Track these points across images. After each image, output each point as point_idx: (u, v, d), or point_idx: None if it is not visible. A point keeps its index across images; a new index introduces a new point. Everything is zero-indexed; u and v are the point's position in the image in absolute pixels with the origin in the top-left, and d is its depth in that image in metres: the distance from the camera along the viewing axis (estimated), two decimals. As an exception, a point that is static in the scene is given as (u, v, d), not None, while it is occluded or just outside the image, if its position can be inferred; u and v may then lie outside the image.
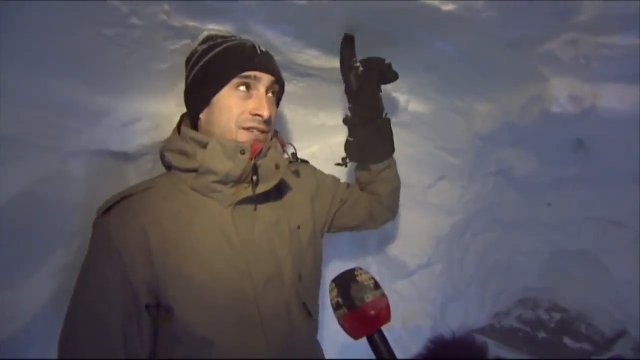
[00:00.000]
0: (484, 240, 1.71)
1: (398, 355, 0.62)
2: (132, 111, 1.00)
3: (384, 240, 1.51)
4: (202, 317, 0.75)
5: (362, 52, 1.14)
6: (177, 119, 1.05)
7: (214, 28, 0.95)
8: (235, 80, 0.81)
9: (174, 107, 1.05)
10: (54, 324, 0.91)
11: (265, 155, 0.82)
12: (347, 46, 1.03)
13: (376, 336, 0.62)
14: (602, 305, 1.88)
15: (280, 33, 1.02)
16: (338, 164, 1.10)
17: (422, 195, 1.49)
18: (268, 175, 0.82)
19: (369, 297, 0.63)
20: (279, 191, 0.91)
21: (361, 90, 1.01)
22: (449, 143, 1.41)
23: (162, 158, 0.88)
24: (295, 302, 0.85)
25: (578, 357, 1.87)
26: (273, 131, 0.90)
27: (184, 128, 0.86)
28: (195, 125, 0.88)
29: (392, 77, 1.03)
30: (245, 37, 0.99)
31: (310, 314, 0.88)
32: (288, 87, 1.00)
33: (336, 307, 0.65)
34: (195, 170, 0.80)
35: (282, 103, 1.00)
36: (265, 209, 0.85)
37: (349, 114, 1.06)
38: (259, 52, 0.85)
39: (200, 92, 0.84)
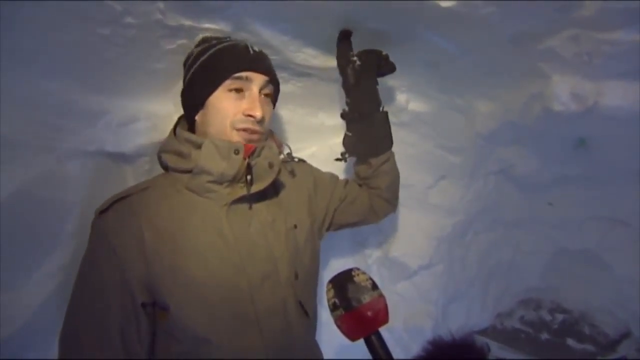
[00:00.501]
0: (485, 240, 1.70)
1: (398, 356, 0.61)
2: (129, 111, 1.00)
3: (384, 241, 1.50)
4: (197, 314, 0.76)
5: (360, 49, 1.13)
6: (175, 118, 1.05)
7: (210, 27, 0.94)
8: (227, 82, 0.82)
9: (171, 107, 1.05)
10: (52, 324, 0.91)
11: (259, 155, 0.83)
12: (344, 40, 1.02)
13: (373, 337, 0.61)
14: (606, 306, 1.87)
15: (277, 32, 1.01)
16: (337, 159, 1.10)
17: (422, 195, 1.48)
18: (262, 175, 0.83)
19: (366, 298, 0.63)
20: (275, 190, 0.92)
21: (359, 83, 1.00)
22: (449, 142, 1.40)
23: (159, 159, 0.89)
24: (292, 300, 0.85)
25: (581, 359, 1.85)
26: (268, 131, 0.90)
27: (179, 129, 0.87)
28: (192, 127, 0.89)
29: (390, 68, 1.03)
30: (242, 35, 0.98)
31: (307, 314, 0.88)
32: (286, 87, 0.99)
33: (333, 308, 0.65)
34: (188, 171, 0.81)
35: (280, 103, 0.99)
36: (261, 208, 0.86)
37: (346, 108, 1.06)
38: (251, 52, 0.86)
39: (194, 93, 0.86)
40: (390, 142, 1.08)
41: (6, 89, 0.78)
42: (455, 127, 1.36)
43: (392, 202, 1.17)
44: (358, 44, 1.05)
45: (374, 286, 0.66)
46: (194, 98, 0.85)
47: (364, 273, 0.67)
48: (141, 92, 1.00)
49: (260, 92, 0.85)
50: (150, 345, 0.80)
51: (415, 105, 1.31)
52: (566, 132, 1.27)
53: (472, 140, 1.37)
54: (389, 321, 0.64)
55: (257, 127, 0.83)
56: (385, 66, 1.02)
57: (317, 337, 0.99)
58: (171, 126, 1.05)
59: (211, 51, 0.85)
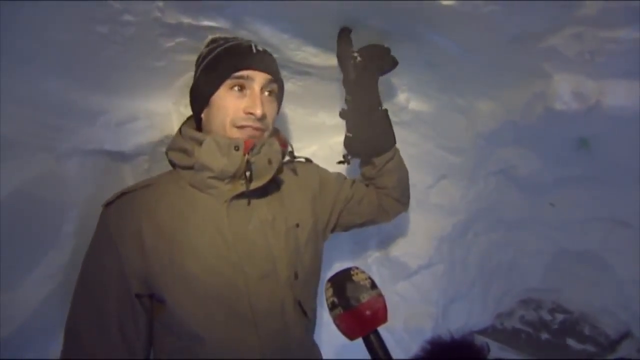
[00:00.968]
0: (486, 240, 1.70)
1: (398, 357, 0.61)
2: (128, 110, 1.00)
3: (384, 241, 1.49)
4: (192, 310, 0.78)
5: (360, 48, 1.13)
6: (174, 117, 1.05)
7: (209, 25, 0.94)
8: (229, 80, 0.84)
9: (170, 106, 1.05)
10: (51, 324, 0.92)
11: (259, 152, 0.83)
12: (344, 36, 1.01)
13: (372, 337, 0.61)
14: (606, 306, 1.86)
15: (277, 30, 1.00)
16: (340, 162, 1.10)
17: (423, 195, 1.47)
18: (261, 171, 0.84)
19: (365, 297, 0.63)
20: (278, 188, 0.92)
21: (360, 80, 1.00)
22: (450, 142, 1.39)
23: (167, 157, 0.91)
24: (290, 300, 0.85)
25: (581, 359, 1.85)
26: (271, 129, 0.90)
27: (184, 127, 0.90)
28: (199, 124, 0.91)
29: (391, 63, 1.02)
30: (241, 34, 0.98)
31: (306, 314, 0.88)
32: (286, 86, 0.99)
33: (331, 307, 0.65)
34: (190, 167, 0.83)
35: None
36: (262, 205, 0.87)
37: (345, 107, 1.05)
38: (254, 51, 0.87)
39: (199, 92, 0.88)
40: (392, 140, 1.08)
41: (5, 89, 0.78)
42: (456, 127, 1.35)
43: (402, 201, 1.16)
44: (358, 43, 1.04)
45: (373, 285, 0.66)
46: (200, 96, 0.88)
47: (363, 272, 0.67)
48: (140, 90, 1.00)
49: (262, 90, 0.85)
50: (148, 338, 0.82)
51: (416, 104, 1.30)
52: (568, 132, 1.27)
53: (473, 140, 1.37)
54: (387, 320, 0.64)
55: (257, 125, 0.84)
56: (386, 61, 1.01)
57: (317, 337, 0.99)
58: (170, 125, 1.06)
59: (216, 51, 0.87)
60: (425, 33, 1.04)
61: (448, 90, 1.27)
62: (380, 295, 0.65)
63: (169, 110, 1.04)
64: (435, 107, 1.31)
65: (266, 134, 0.88)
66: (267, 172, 0.84)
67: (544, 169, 1.46)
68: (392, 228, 1.47)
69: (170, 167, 0.93)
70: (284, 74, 1.01)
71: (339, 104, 1.33)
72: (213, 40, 0.93)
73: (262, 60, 0.87)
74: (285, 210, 0.90)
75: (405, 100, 1.28)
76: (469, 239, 1.65)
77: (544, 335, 1.95)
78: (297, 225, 0.91)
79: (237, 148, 0.80)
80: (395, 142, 1.09)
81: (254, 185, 0.82)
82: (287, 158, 0.93)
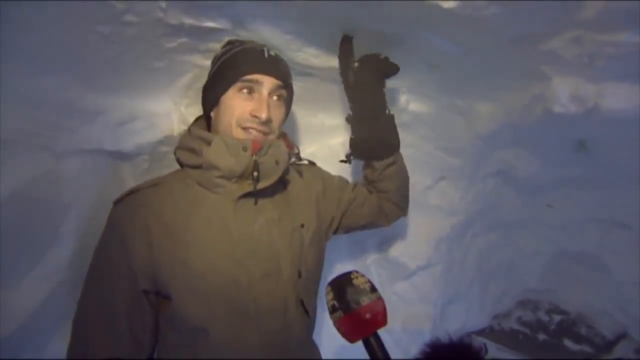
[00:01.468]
0: (484, 241, 1.70)
1: (396, 357, 0.62)
2: (127, 110, 1.00)
3: (383, 241, 1.50)
4: (196, 305, 0.79)
5: (362, 50, 1.13)
6: (174, 117, 1.05)
7: (211, 25, 0.94)
8: (239, 83, 0.86)
9: (170, 106, 1.05)
10: (52, 323, 0.92)
11: (266, 153, 0.85)
12: (345, 46, 1.03)
13: (372, 339, 0.62)
14: (604, 307, 1.87)
15: (278, 31, 1.00)
16: (342, 161, 1.11)
17: (422, 196, 1.47)
18: (268, 172, 0.85)
19: (365, 301, 0.64)
20: (284, 189, 0.94)
21: (358, 87, 1.02)
22: (449, 143, 1.40)
23: (175, 156, 0.92)
24: (292, 299, 0.86)
25: (578, 359, 1.86)
26: (278, 133, 0.92)
27: (193, 127, 0.91)
28: (209, 123, 0.94)
29: (392, 69, 1.03)
30: (243, 35, 0.98)
31: (307, 312, 0.89)
32: (286, 87, 0.99)
33: (332, 310, 0.66)
34: (199, 166, 0.85)
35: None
36: (268, 205, 0.88)
37: (350, 113, 1.06)
38: (266, 55, 0.89)
39: (211, 92, 0.90)
40: (395, 146, 1.09)
41: (5, 88, 0.78)
42: (455, 129, 1.36)
43: (401, 206, 1.18)
44: (359, 44, 1.05)
45: (373, 289, 0.67)
46: (210, 97, 0.90)
47: (362, 276, 0.68)
48: (140, 90, 1.00)
49: (270, 94, 0.87)
50: (154, 334, 0.83)
51: (416, 106, 1.31)
52: (566, 134, 1.27)
53: (472, 141, 1.37)
54: (387, 323, 0.65)
55: (262, 128, 0.86)
56: (387, 67, 1.02)
57: (317, 338, 0.99)
58: (170, 125, 1.06)
59: (230, 53, 0.90)
60: (426, 35, 1.04)
61: (448, 92, 1.27)
62: (380, 298, 0.66)
63: (169, 111, 1.04)
64: (435, 108, 1.32)
65: (271, 137, 0.89)
66: (274, 173, 0.86)
67: (543, 171, 1.47)
68: (390, 229, 1.46)
69: (177, 166, 0.94)
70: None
71: (339, 105, 1.33)
72: (229, 42, 0.95)
73: (273, 65, 0.89)
74: (290, 210, 0.92)
75: (405, 102, 1.28)
76: (468, 239, 1.65)
77: (541, 336, 1.96)
78: (302, 226, 0.93)
79: (245, 149, 0.82)
80: (398, 148, 1.10)
81: (261, 185, 0.84)
82: (292, 159, 0.95)
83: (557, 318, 1.99)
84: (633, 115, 1.02)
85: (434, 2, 0.88)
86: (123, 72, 0.94)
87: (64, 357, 0.83)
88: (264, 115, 0.84)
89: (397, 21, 1.00)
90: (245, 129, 0.85)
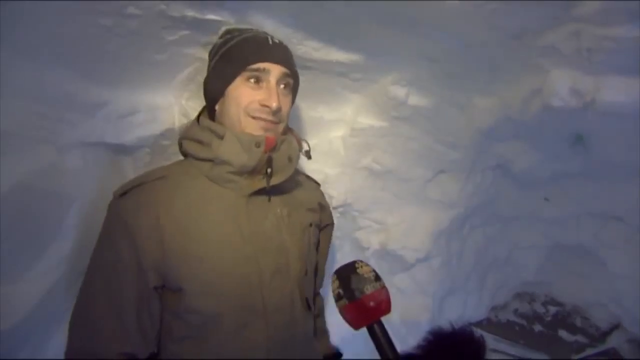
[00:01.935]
0: (482, 234, 1.72)
1: (396, 346, 0.63)
2: (129, 103, 0.99)
3: (382, 234, 1.51)
4: (208, 298, 0.78)
5: (362, 43, 1.13)
6: (175, 110, 1.05)
7: (213, 18, 0.93)
8: (245, 72, 0.83)
9: (171, 99, 1.04)
10: (52, 317, 0.92)
11: (279, 149, 0.84)
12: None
13: (375, 326, 0.63)
14: (598, 299, 1.90)
15: (279, 24, 1.00)
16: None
17: (421, 189, 1.48)
18: (281, 168, 0.84)
19: (369, 289, 0.65)
20: (294, 188, 0.94)
21: None
22: (448, 136, 1.40)
23: (180, 145, 0.90)
24: (298, 295, 0.86)
25: (573, 350, 1.89)
26: (286, 122, 0.90)
27: (202, 118, 0.89)
28: (212, 116, 0.91)
29: None
30: (244, 27, 0.97)
31: (310, 308, 0.91)
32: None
33: (337, 298, 0.67)
34: (209, 160, 0.83)
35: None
36: (277, 202, 0.88)
37: None
38: (270, 43, 0.86)
39: (214, 84, 0.87)
40: None
41: (7, 81, 0.77)
42: (454, 122, 1.36)
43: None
44: (360, 38, 1.05)
45: (377, 277, 0.68)
46: (215, 88, 0.87)
47: (367, 265, 0.69)
48: (142, 83, 0.99)
49: (277, 83, 0.85)
50: (159, 329, 0.81)
51: (416, 99, 1.31)
52: (564, 128, 1.29)
53: (471, 135, 1.38)
54: (391, 311, 0.66)
55: (272, 118, 0.84)
56: None
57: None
58: (171, 118, 1.06)
59: (231, 42, 0.86)
60: (426, 29, 1.04)
61: (447, 86, 1.28)
62: (384, 287, 0.67)
63: (170, 104, 1.04)
64: (435, 102, 1.32)
65: (281, 126, 0.87)
66: (287, 169, 0.85)
67: (540, 164, 1.48)
68: (390, 221, 1.49)
69: (177, 158, 0.92)
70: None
71: (339, 99, 1.34)
72: (227, 32, 0.92)
73: (279, 52, 0.87)
74: (299, 208, 0.92)
75: (405, 95, 1.28)
76: (466, 233, 1.67)
77: (537, 327, 1.99)
78: (310, 225, 0.93)
79: (258, 145, 0.81)
80: None
81: (274, 181, 0.83)
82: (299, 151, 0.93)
83: (552, 310, 2.03)
84: (631, 109, 1.03)
85: (435, 1, 0.88)
86: (124, 65, 0.93)
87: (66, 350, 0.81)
88: (274, 105, 0.82)
89: (398, 15, 1.00)
90: (255, 118, 0.83)
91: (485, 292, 1.84)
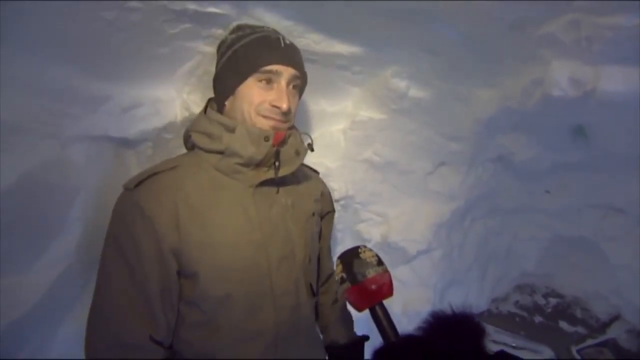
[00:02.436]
0: (483, 226, 1.73)
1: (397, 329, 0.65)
2: (132, 97, 1.00)
3: (384, 226, 1.52)
4: (221, 281, 0.80)
5: (363, 36, 1.13)
6: (177, 104, 1.05)
7: (214, 11, 0.94)
8: (257, 74, 0.85)
9: (173, 93, 1.05)
10: (58, 308, 0.93)
11: (286, 142, 0.87)
12: None
13: (377, 308, 0.66)
14: (598, 291, 1.91)
15: (280, 16, 1.01)
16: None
17: (422, 181, 1.49)
18: (288, 161, 0.87)
19: (371, 273, 0.68)
20: (297, 180, 0.96)
21: None
22: (449, 129, 1.41)
23: (188, 138, 0.91)
24: (303, 281, 0.90)
25: (573, 340, 1.90)
26: (293, 121, 0.93)
27: (210, 111, 0.90)
28: (220, 110, 0.92)
29: None
30: (245, 20, 0.98)
31: (313, 294, 0.94)
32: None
33: (341, 281, 0.70)
34: (218, 152, 0.85)
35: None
36: (282, 192, 0.90)
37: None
38: (282, 44, 0.88)
39: (226, 81, 0.88)
40: None
41: (11, 75, 0.78)
42: (455, 114, 1.37)
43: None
44: (360, 30, 1.05)
45: (379, 262, 0.71)
46: (225, 85, 0.88)
47: (370, 250, 0.72)
48: (144, 77, 1.00)
49: (287, 84, 0.87)
50: (176, 316, 0.82)
51: (416, 92, 1.31)
52: (565, 119, 1.29)
53: (472, 127, 1.38)
54: (393, 294, 0.69)
55: (281, 117, 0.86)
56: None
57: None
58: (174, 111, 1.06)
59: (244, 41, 0.87)
60: (426, 20, 1.05)
61: (448, 78, 1.28)
62: (386, 271, 0.70)
63: (172, 97, 1.04)
64: (435, 94, 1.32)
65: (288, 124, 0.90)
66: (294, 162, 0.88)
67: (541, 156, 1.48)
68: (391, 213, 1.49)
69: (181, 151, 0.93)
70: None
71: (340, 92, 1.34)
72: (239, 28, 0.93)
73: (290, 54, 0.88)
74: (302, 199, 0.95)
75: (406, 88, 1.29)
76: (467, 225, 1.68)
77: (538, 319, 2.00)
78: (313, 214, 0.96)
79: (267, 139, 0.83)
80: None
81: (282, 172, 0.86)
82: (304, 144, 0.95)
83: (553, 301, 2.04)
84: (631, 98, 1.03)
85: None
86: (127, 59, 0.94)
87: (74, 341, 0.82)
88: (285, 106, 0.84)
89: (398, 7, 1.00)
90: (265, 117, 0.85)
91: (486, 283, 1.85)
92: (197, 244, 0.79)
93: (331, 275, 1.12)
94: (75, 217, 0.94)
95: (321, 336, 1.06)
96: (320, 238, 1.04)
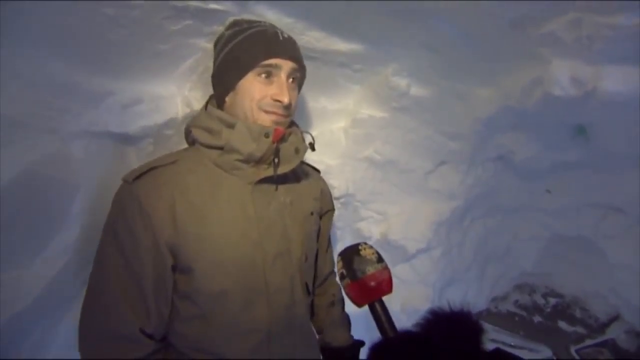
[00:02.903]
0: (483, 225, 1.73)
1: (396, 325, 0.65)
2: (133, 93, 1.00)
3: (383, 224, 1.52)
4: (215, 278, 0.80)
5: (363, 33, 1.13)
6: (178, 100, 1.06)
7: (215, 7, 0.94)
8: (257, 68, 0.85)
9: (174, 89, 1.05)
10: (59, 302, 0.94)
11: (286, 140, 0.87)
12: None
13: (377, 305, 0.67)
14: (597, 290, 1.92)
15: (281, 14, 1.01)
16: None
17: (422, 180, 1.49)
18: (288, 158, 0.87)
19: (370, 270, 0.69)
20: (296, 178, 0.97)
21: None
22: (449, 127, 1.41)
23: (188, 133, 0.91)
24: (299, 279, 0.90)
25: (572, 340, 1.90)
26: (293, 115, 0.93)
27: (210, 107, 0.90)
28: (220, 106, 0.92)
29: None
30: (246, 17, 0.98)
31: (309, 293, 0.94)
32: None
33: (341, 277, 0.72)
34: (218, 147, 0.85)
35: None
36: (281, 190, 0.90)
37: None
38: (281, 38, 0.88)
39: (225, 77, 0.88)
40: None
41: (12, 70, 0.78)
42: (455, 113, 1.37)
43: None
44: (360, 28, 1.05)
45: (379, 259, 0.72)
46: (225, 81, 0.88)
47: (370, 247, 0.73)
48: (145, 73, 1.00)
49: (287, 78, 0.87)
50: (170, 309, 0.82)
51: (417, 90, 1.31)
52: (565, 118, 1.29)
53: (472, 126, 1.39)
54: (392, 291, 0.70)
55: (283, 112, 0.86)
56: None
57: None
58: (174, 107, 1.07)
59: (242, 36, 0.87)
60: (427, 18, 1.05)
61: (448, 76, 1.28)
62: (386, 268, 0.71)
63: (173, 94, 1.05)
64: (436, 92, 1.32)
65: (289, 118, 0.90)
66: (294, 160, 0.88)
67: (541, 155, 1.48)
68: (391, 212, 1.50)
69: (181, 146, 0.93)
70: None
71: (341, 90, 1.34)
72: (235, 23, 0.93)
73: (289, 48, 0.89)
74: (300, 198, 0.95)
75: (406, 86, 1.29)
76: (467, 224, 1.68)
77: (537, 318, 2.01)
78: (312, 213, 0.96)
79: (267, 135, 0.83)
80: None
81: (281, 170, 0.86)
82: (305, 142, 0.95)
83: (552, 301, 2.04)
84: (631, 98, 1.03)
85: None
86: (128, 55, 0.94)
87: (75, 336, 0.81)
88: (286, 100, 0.84)
89: (398, 4, 1.00)
90: (267, 112, 0.86)
91: (485, 282, 1.85)
92: (194, 239, 0.79)
93: (329, 275, 1.13)
94: (76, 213, 0.94)
95: (317, 336, 1.06)
96: (318, 236, 1.04)
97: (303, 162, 1.01)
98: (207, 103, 0.93)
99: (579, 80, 1.06)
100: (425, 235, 1.51)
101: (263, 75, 0.85)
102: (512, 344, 1.89)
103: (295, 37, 1.06)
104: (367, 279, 0.68)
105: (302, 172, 1.01)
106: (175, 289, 0.82)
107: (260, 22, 0.93)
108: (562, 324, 1.97)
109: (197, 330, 0.81)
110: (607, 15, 0.92)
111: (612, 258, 1.78)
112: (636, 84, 1.01)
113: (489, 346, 0.57)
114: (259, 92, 0.85)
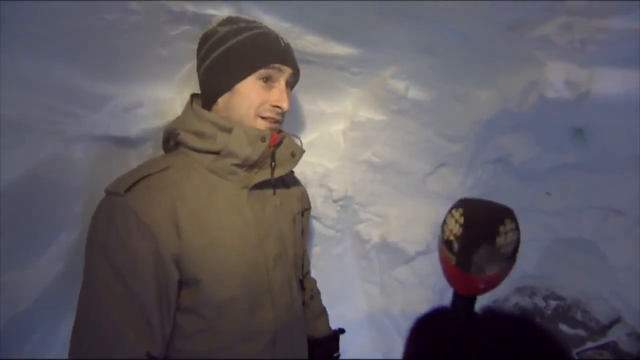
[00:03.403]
0: (482, 227, 1.72)
1: (394, 341, 0.63)
2: (133, 96, 1.01)
3: (383, 227, 1.52)
4: (223, 287, 0.78)
5: (361, 36, 1.14)
6: (177, 104, 1.07)
7: (213, 13, 0.95)
8: (261, 71, 0.84)
9: (173, 93, 1.06)
10: (59, 305, 0.94)
11: (282, 144, 0.88)
12: None
13: (467, 299, 0.53)
14: (599, 293, 1.90)
15: (278, 18, 1.02)
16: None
17: (421, 182, 1.49)
18: (284, 161, 0.88)
19: (491, 270, 0.50)
20: (283, 180, 0.98)
21: None
22: (448, 129, 1.41)
23: (175, 136, 0.86)
24: (294, 277, 0.93)
25: (573, 343, 1.89)
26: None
27: (198, 109, 0.86)
28: (208, 106, 0.88)
29: None
30: (246, 18, 0.99)
31: (304, 290, 0.99)
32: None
33: (446, 246, 0.53)
34: (211, 152, 0.83)
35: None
36: (272, 192, 0.92)
37: None
38: (282, 44, 0.88)
39: (222, 76, 0.85)
40: None
41: (14, 74, 0.79)
42: (454, 115, 1.37)
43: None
44: (357, 30, 1.05)
45: (512, 255, 0.52)
46: (221, 81, 0.85)
47: (513, 231, 0.52)
48: (145, 77, 1.02)
49: (287, 84, 0.88)
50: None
51: (415, 92, 1.32)
52: (562, 120, 1.29)
53: (471, 128, 1.39)
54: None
55: (279, 117, 0.88)
56: None
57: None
58: (174, 111, 1.07)
59: (242, 36, 0.85)
60: (425, 22, 1.05)
61: (447, 78, 1.28)
62: (510, 266, 0.53)
63: (173, 97, 1.06)
64: (434, 95, 1.33)
65: (281, 124, 0.91)
66: (289, 164, 0.89)
67: (541, 157, 1.48)
68: (390, 214, 1.50)
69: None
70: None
71: (339, 92, 1.35)
72: (231, 20, 0.89)
73: (289, 54, 0.89)
74: (289, 198, 0.98)
75: (405, 89, 1.30)
76: (466, 226, 1.67)
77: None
78: (298, 213, 0.99)
79: (263, 139, 0.82)
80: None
81: (277, 173, 0.87)
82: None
83: (553, 303, 2.03)
84: (625, 100, 1.03)
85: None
86: (128, 59, 0.95)
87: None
88: (285, 106, 0.85)
89: (396, 7, 1.01)
90: (264, 118, 0.85)
91: (485, 285, 1.84)
92: (199, 248, 0.76)
93: (307, 272, 1.15)
94: (77, 215, 0.95)
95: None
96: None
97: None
98: (191, 103, 0.89)
99: (573, 82, 1.06)
100: (425, 237, 1.50)
101: (262, 80, 0.84)
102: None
103: (292, 41, 1.08)
104: (479, 279, 0.51)
105: (286, 174, 1.00)
106: (180, 304, 0.78)
107: (255, 22, 0.92)
108: (563, 327, 1.96)
109: (201, 345, 0.78)
110: (599, 19, 0.92)
111: (612, 260, 1.77)
112: (630, 86, 1.01)
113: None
114: (259, 97, 0.84)
